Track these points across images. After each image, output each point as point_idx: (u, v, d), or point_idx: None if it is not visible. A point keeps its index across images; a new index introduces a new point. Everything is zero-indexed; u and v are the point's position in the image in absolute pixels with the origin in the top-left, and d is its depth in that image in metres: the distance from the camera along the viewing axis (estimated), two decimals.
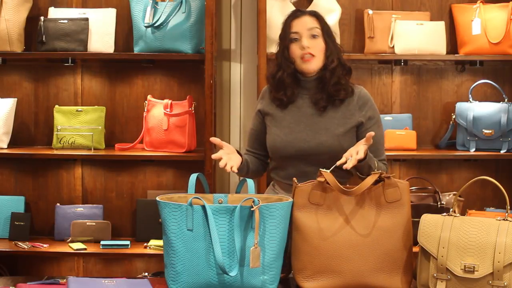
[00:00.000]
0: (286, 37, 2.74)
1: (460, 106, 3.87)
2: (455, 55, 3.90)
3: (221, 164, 2.50)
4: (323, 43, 2.72)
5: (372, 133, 2.48)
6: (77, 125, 3.87)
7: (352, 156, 2.44)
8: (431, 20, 3.91)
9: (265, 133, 2.79)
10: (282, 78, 2.74)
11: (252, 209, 2.17)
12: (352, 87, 2.75)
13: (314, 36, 2.71)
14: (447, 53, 3.87)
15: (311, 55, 2.69)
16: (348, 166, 2.42)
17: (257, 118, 2.83)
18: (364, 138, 2.50)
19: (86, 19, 3.83)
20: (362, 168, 2.55)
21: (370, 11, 3.88)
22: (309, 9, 3.85)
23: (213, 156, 2.51)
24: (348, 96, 2.73)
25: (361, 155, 2.45)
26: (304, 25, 2.72)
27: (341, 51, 2.80)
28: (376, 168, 2.53)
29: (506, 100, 3.83)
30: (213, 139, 2.58)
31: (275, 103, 2.77)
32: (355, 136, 2.71)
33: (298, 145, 2.69)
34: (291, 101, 2.76)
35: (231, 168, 2.51)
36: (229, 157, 2.55)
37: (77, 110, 3.90)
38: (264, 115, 2.80)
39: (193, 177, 2.37)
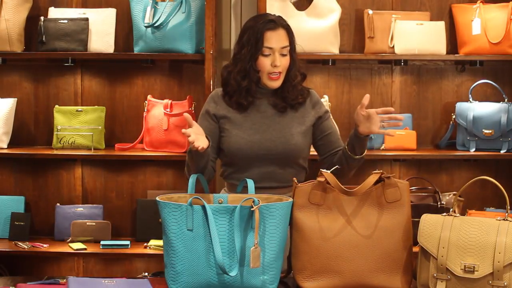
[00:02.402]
0: (258, 48, 2.70)
1: (460, 106, 3.87)
2: (455, 55, 3.90)
3: (191, 139, 2.47)
4: (289, 60, 2.75)
5: (367, 96, 2.60)
6: (77, 125, 3.87)
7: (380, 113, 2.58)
8: (431, 20, 3.91)
9: (218, 136, 2.77)
10: (249, 86, 2.74)
11: (252, 209, 2.17)
12: (307, 89, 2.82)
13: (284, 55, 2.73)
14: (447, 53, 3.87)
15: (279, 73, 2.72)
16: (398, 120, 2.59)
17: (211, 122, 2.78)
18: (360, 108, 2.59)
19: (86, 19, 3.83)
20: (365, 143, 2.67)
21: (370, 11, 3.88)
22: (309, 9, 3.87)
23: (183, 131, 2.48)
24: (306, 98, 2.80)
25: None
26: (278, 42, 2.71)
27: (299, 59, 2.82)
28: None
29: (506, 100, 3.83)
30: (186, 115, 2.54)
31: (232, 106, 2.77)
32: (311, 134, 2.80)
33: (264, 145, 2.71)
34: (250, 104, 2.77)
35: (198, 147, 2.49)
36: (197, 137, 2.52)
37: (77, 110, 3.90)
38: (219, 119, 2.78)
39: (193, 177, 2.38)
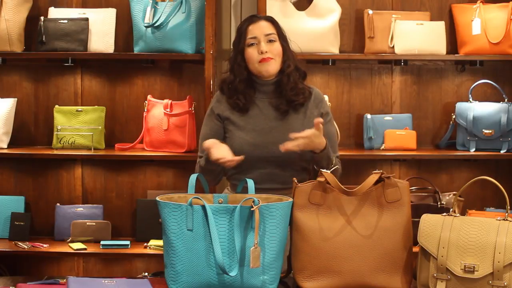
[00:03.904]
0: (242, 42, 2.76)
1: (460, 106, 3.87)
2: (455, 55, 3.90)
3: (232, 161, 2.57)
4: (280, 47, 2.76)
5: (320, 119, 2.56)
6: (77, 125, 3.88)
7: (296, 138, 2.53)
8: (431, 20, 3.91)
9: (224, 137, 2.79)
10: (235, 85, 2.77)
11: (252, 209, 2.17)
12: (308, 89, 2.82)
13: (271, 41, 2.75)
14: (447, 53, 3.87)
15: (269, 58, 2.73)
16: (284, 148, 2.53)
17: (216, 122, 2.81)
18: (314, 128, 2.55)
19: (86, 19, 3.83)
20: (321, 160, 2.62)
21: (370, 11, 3.88)
22: (309, 9, 3.87)
23: (218, 158, 2.56)
24: (307, 99, 2.79)
25: (300, 142, 2.53)
26: (261, 30, 2.75)
27: (296, 56, 2.84)
28: (332, 162, 2.63)
29: (506, 100, 3.83)
30: (207, 145, 2.59)
31: (234, 108, 2.78)
32: None
33: (267, 148, 2.72)
34: (250, 105, 2.78)
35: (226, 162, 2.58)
36: (227, 152, 2.60)
37: (77, 110, 3.90)
38: (223, 120, 2.80)
39: (193, 177, 2.38)
